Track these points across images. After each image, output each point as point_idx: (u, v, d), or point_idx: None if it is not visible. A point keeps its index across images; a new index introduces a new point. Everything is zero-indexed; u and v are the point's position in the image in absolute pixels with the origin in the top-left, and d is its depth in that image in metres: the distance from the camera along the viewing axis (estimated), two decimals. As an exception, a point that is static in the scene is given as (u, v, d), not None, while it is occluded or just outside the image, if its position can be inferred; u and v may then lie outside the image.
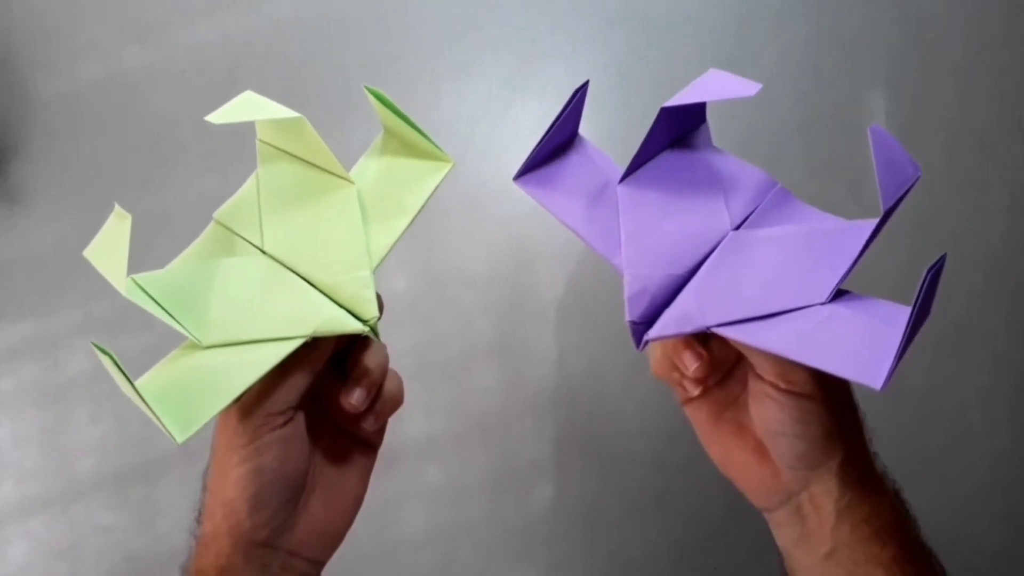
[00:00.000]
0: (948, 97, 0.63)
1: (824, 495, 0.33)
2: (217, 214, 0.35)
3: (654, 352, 0.37)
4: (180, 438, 0.29)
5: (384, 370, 0.36)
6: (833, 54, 0.63)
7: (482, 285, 0.61)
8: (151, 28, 0.66)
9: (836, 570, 0.33)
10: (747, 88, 0.30)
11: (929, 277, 0.27)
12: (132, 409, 0.59)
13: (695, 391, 0.36)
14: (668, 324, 0.32)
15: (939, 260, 0.27)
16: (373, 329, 0.34)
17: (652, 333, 0.32)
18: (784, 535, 0.35)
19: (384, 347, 0.37)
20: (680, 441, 0.58)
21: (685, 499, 0.58)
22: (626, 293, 0.32)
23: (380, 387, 0.36)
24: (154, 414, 0.29)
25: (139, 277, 0.32)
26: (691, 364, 0.34)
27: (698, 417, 0.37)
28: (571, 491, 0.59)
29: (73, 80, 0.65)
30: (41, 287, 0.62)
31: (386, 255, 0.34)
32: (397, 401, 0.37)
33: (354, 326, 0.33)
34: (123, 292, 0.30)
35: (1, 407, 0.61)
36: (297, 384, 0.33)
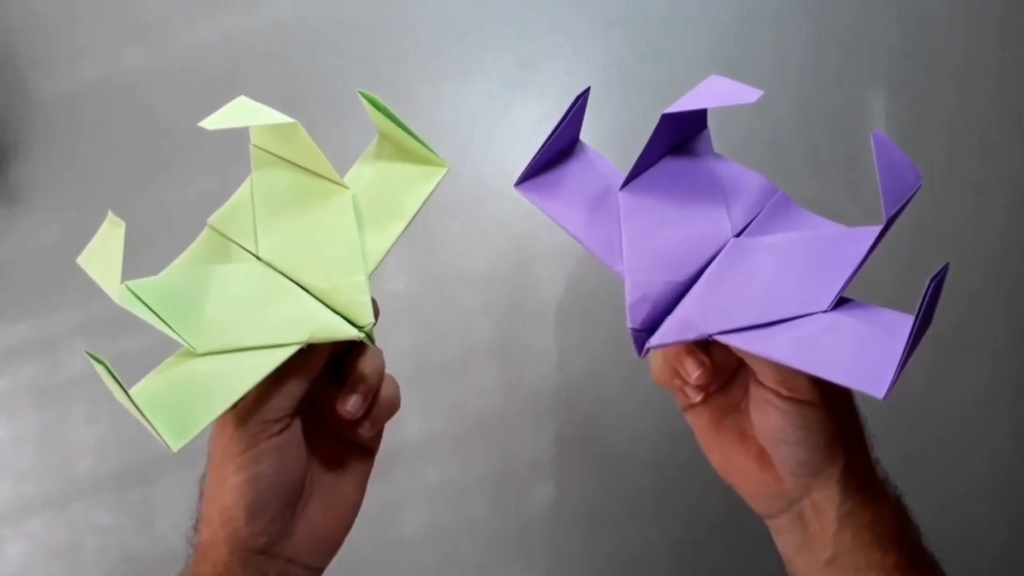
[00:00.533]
0: (948, 97, 0.63)
1: (826, 501, 0.33)
2: (211, 220, 0.35)
3: (655, 359, 0.37)
4: (175, 446, 0.29)
5: (380, 376, 0.36)
6: (833, 54, 0.63)
7: (482, 285, 0.61)
8: (151, 28, 0.66)
9: None
10: (748, 95, 0.30)
11: (932, 287, 0.27)
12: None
13: (697, 398, 0.36)
14: (670, 331, 0.32)
15: (942, 270, 0.27)
16: (369, 335, 0.33)
17: (654, 340, 0.32)
18: (785, 541, 0.35)
19: (380, 353, 0.36)
20: (680, 442, 0.58)
21: (685, 500, 0.58)
22: (627, 300, 0.32)
23: (376, 393, 0.36)
24: (148, 422, 0.29)
25: (133, 284, 0.32)
26: (693, 371, 0.34)
27: (699, 423, 0.37)
28: (571, 491, 0.59)
29: (73, 80, 0.65)
30: (41, 287, 0.62)
31: (382, 260, 0.34)
32: (394, 406, 0.37)
33: (349, 332, 0.33)
34: (116, 299, 0.30)
35: (0, 407, 0.61)
36: (293, 391, 0.33)
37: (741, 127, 0.61)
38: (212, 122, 0.31)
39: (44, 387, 0.61)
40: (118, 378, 0.29)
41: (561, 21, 0.64)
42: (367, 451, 0.38)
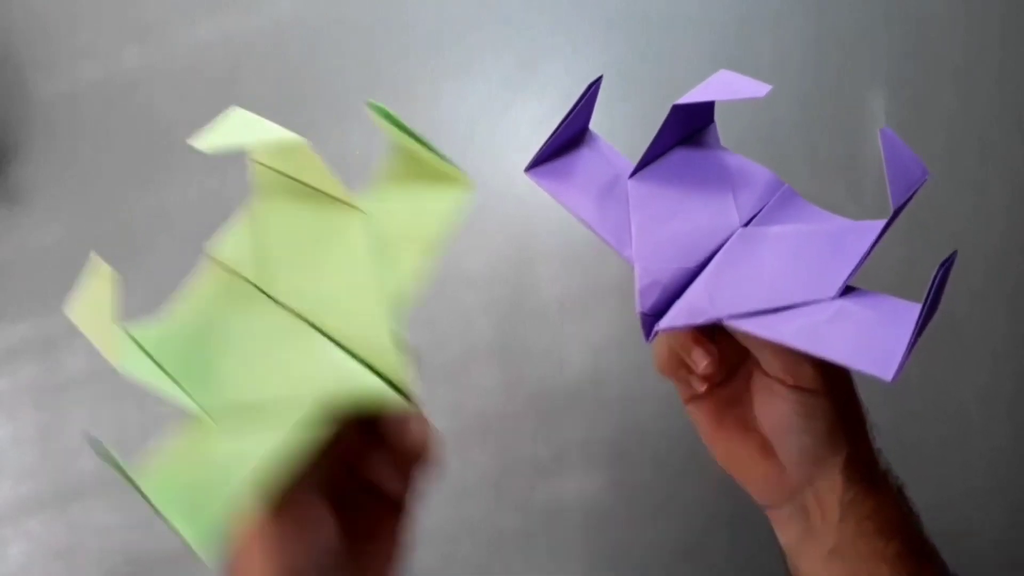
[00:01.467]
0: (948, 97, 0.63)
1: (829, 491, 0.33)
2: (214, 251, 0.31)
3: (660, 349, 0.37)
4: (206, 556, 0.26)
5: (425, 448, 0.32)
6: (833, 54, 0.63)
7: (482, 285, 0.61)
8: (151, 28, 0.66)
9: (840, 566, 0.33)
10: (757, 89, 0.31)
11: (940, 273, 0.27)
12: (131, 410, 0.59)
13: (701, 388, 0.36)
14: (679, 315, 0.32)
15: (950, 256, 0.28)
16: (407, 394, 0.29)
17: (663, 323, 0.32)
18: (788, 532, 0.35)
19: (424, 420, 0.32)
20: (681, 441, 0.58)
21: (686, 499, 0.58)
22: (637, 285, 0.33)
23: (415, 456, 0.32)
24: (168, 523, 0.26)
25: (136, 332, 0.28)
26: (701, 361, 0.34)
27: (701, 415, 0.37)
28: (571, 491, 0.59)
29: (73, 80, 0.65)
30: (41, 287, 0.62)
31: (412, 300, 0.30)
32: (428, 460, 0.33)
33: (383, 396, 0.28)
34: (115, 364, 0.26)
35: (0, 407, 0.61)
36: (321, 471, 0.30)
37: (741, 126, 0.60)
38: (206, 141, 0.27)
39: (44, 387, 0.61)
40: (127, 472, 0.26)
41: (561, 21, 0.64)
42: (398, 505, 0.34)
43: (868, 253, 0.30)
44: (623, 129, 0.60)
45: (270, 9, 0.65)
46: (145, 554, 0.58)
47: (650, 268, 0.33)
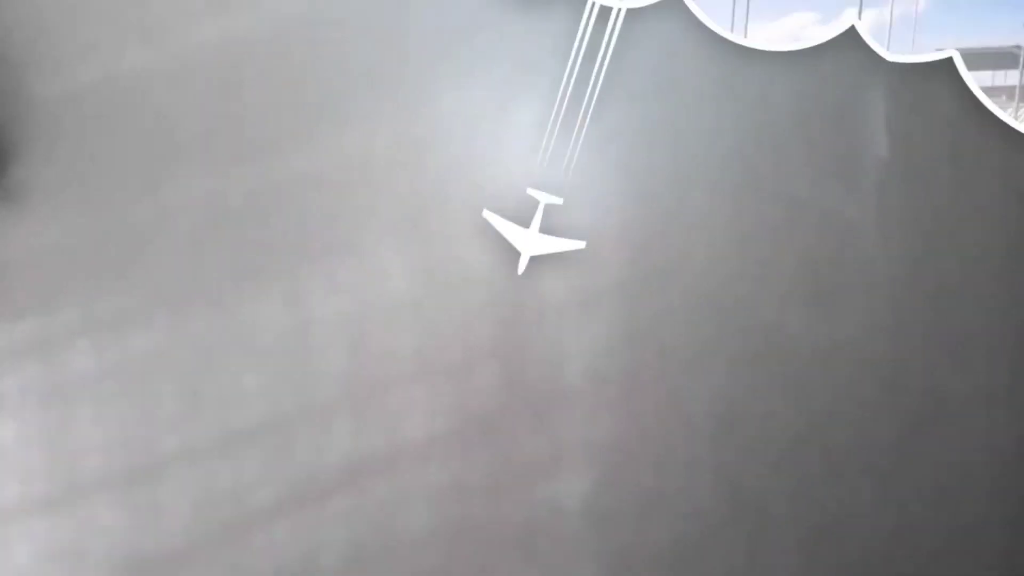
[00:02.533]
0: (948, 96, 0.63)
1: None
2: None
3: None
4: None
5: None
6: (833, 54, 0.63)
7: (483, 285, 0.61)
8: (151, 28, 0.66)
9: None
10: None
11: None
12: (135, 409, 0.59)
13: None
14: None
15: None
16: None
17: None
18: None
19: None
20: (680, 442, 0.58)
21: (685, 499, 0.58)
22: None
23: None
24: None
25: None
26: None
27: None
28: (572, 491, 0.59)
29: (73, 80, 0.65)
30: (41, 287, 0.62)
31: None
32: None
33: None
34: None
35: (4, 407, 0.61)
36: None
37: (741, 126, 0.61)
38: None
39: (48, 387, 0.61)
40: None
41: (561, 22, 0.64)
42: None
43: None
44: (620, 131, 0.60)
45: (270, 10, 0.66)
46: (149, 554, 0.59)
47: None
